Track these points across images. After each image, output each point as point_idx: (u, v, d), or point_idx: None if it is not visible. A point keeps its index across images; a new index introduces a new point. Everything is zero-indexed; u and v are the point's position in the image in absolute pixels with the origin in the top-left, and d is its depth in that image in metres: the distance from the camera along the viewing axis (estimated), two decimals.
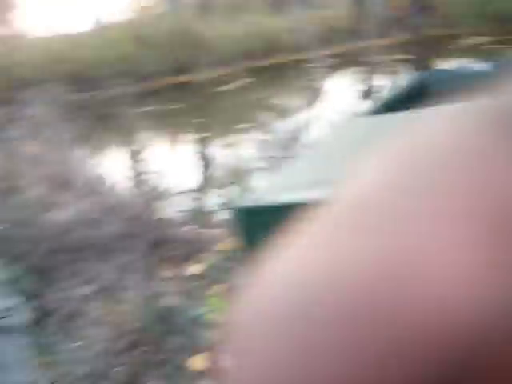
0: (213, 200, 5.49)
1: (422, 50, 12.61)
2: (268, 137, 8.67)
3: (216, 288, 2.90)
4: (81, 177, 3.39)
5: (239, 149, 8.25)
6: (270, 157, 7.24)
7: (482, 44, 11.61)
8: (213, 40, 14.03)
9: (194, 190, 6.19)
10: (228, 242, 3.59)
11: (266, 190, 1.78)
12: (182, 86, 12.77)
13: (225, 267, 3.15)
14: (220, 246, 3.49)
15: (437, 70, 5.25)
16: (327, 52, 12.60)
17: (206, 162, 8.19)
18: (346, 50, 13.61)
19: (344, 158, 1.92)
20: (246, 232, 1.68)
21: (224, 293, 2.84)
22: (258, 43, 14.29)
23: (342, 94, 10.44)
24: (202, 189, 6.47)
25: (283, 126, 9.20)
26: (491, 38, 11.58)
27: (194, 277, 3.05)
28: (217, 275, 3.04)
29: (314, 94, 11.36)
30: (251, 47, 14.17)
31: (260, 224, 1.62)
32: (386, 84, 10.79)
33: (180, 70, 13.13)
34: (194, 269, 3.12)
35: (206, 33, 14.34)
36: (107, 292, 2.87)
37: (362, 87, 10.79)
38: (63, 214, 3.25)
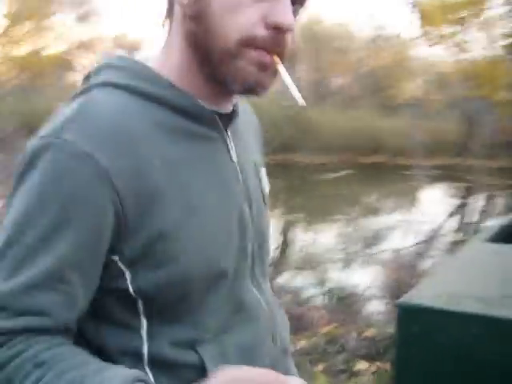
0: (298, 280, 5.67)
1: None
2: (352, 231, 8.80)
3: (321, 366, 3.03)
4: None
5: (322, 236, 8.41)
6: (350, 250, 7.33)
7: None
8: (320, 127, 14.52)
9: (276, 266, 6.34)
10: (329, 325, 3.74)
11: (423, 292, 1.94)
12: (283, 165, 13.18)
13: (328, 349, 3.28)
14: (322, 328, 3.64)
15: None
16: (430, 162, 12.74)
17: (287, 242, 8.32)
18: (449, 163, 13.73)
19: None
20: (402, 328, 1.83)
21: (329, 373, 2.97)
22: (363, 139, 14.65)
23: (435, 206, 10.47)
24: (279, 267, 6.61)
25: (370, 224, 9.31)
26: None
27: (300, 351, 3.20)
28: (322, 354, 3.17)
29: (407, 200, 11.46)
30: (356, 142, 14.55)
31: (418, 324, 1.78)
32: (484, 206, 10.77)
33: (284, 149, 13.61)
34: (300, 344, 3.28)
35: (315, 118, 14.86)
36: None
37: (457, 205, 10.82)
38: None
